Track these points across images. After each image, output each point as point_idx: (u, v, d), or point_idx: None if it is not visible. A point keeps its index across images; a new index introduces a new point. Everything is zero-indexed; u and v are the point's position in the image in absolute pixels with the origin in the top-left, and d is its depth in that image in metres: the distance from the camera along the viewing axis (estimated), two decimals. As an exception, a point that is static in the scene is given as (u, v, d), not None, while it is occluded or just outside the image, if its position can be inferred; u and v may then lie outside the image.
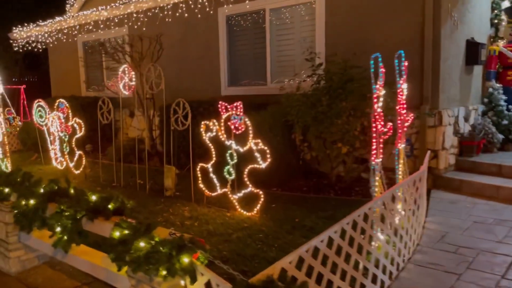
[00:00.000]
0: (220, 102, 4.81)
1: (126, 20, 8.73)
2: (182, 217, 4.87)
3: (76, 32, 10.07)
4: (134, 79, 6.00)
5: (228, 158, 4.87)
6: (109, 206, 3.08)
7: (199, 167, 5.25)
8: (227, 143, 4.85)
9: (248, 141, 4.63)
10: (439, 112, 5.49)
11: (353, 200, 5.26)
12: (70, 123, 6.92)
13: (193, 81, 8.30)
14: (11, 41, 11.98)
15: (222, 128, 4.86)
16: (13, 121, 12.89)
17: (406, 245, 3.57)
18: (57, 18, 10.36)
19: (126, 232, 2.55)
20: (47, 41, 11.06)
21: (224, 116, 4.82)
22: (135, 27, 8.49)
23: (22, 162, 9.02)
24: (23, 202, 3.62)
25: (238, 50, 7.85)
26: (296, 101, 5.23)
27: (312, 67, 5.45)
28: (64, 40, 10.55)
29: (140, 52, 7.86)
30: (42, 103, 8.09)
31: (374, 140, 3.69)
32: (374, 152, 3.68)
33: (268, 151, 4.47)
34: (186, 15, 7.91)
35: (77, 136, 6.90)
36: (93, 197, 3.16)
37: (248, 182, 4.76)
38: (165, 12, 7.92)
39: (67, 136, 7.05)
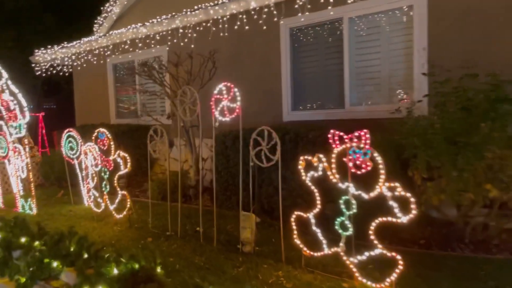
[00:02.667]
0: (332, 131, 3.58)
1: (169, 37, 7.65)
2: (281, 288, 3.57)
3: (109, 52, 9.03)
4: (198, 102, 4.82)
5: (343, 206, 3.60)
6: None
7: (294, 216, 3.97)
8: (342, 186, 3.59)
9: (377, 184, 3.37)
10: None
11: (502, 260, 3.92)
12: (112, 157, 5.72)
13: (247, 106, 7.07)
14: (33, 65, 11.00)
15: (333, 165, 3.62)
16: (31, 151, 11.79)
17: None
18: (87, 38, 9.36)
19: None
20: (75, 63, 10.02)
21: (336, 149, 3.57)
22: (182, 44, 7.40)
23: (47, 200, 7.83)
24: (87, 291, 2.35)
25: (305, 67, 6.69)
26: (427, 128, 3.97)
27: (435, 83, 4.21)
28: (95, 62, 9.52)
29: (189, 72, 6.74)
30: (73, 132, 6.95)
31: None
32: None
33: (413, 199, 3.20)
34: (240, 29, 6.82)
35: (120, 173, 5.69)
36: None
37: (375, 241, 3.47)
38: (219, 26, 6.83)
39: (107, 173, 5.84)
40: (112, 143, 5.73)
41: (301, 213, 3.92)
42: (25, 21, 14.87)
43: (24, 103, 6.67)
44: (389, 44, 5.75)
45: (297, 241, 3.95)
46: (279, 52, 6.76)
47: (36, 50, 10.57)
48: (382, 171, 3.34)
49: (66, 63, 10.40)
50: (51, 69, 10.75)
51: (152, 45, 7.99)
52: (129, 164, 5.56)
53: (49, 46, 10.38)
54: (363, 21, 5.94)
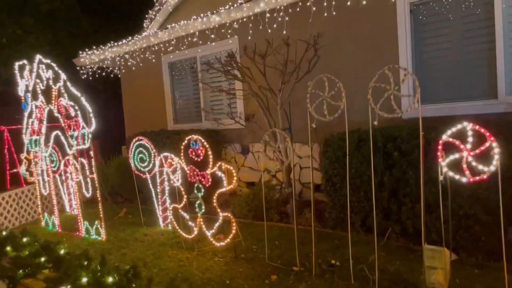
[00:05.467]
0: None
1: (250, 24, 6.44)
2: None
3: (171, 47, 7.87)
4: (343, 94, 3.58)
5: None
6: None
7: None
8: None
9: None
10: None
11: None
12: (209, 171, 4.51)
13: (350, 102, 5.81)
14: (78, 68, 9.95)
15: None
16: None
17: None
18: (142, 35, 8.25)
19: None
20: (129, 63, 8.91)
21: None
22: (269, 30, 6.17)
23: (109, 220, 6.64)
24: None
25: (432, 50, 5.36)
26: None
27: None
28: (154, 60, 8.43)
29: (285, 63, 5.52)
30: (145, 141, 5.82)
31: None
32: None
33: None
34: (342, 9, 5.59)
35: (221, 190, 4.47)
36: None
37: None
38: (324, 4, 5.59)
39: (202, 190, 4.64)
40: (210, 153, 4.53)
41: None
42: (61, 24, 13.91)
43: (88, 108, 5.55)
44: None
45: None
46: (396, 34, 5.48)
47: (81, 52, 9.54)
48: None
49: (117, 63, 9.31)
50: (99, 71, 9.71)
51: (229, 36, 6.76)
52: (235, 179, 4.34)
53: (94, 47, 9.32)
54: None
